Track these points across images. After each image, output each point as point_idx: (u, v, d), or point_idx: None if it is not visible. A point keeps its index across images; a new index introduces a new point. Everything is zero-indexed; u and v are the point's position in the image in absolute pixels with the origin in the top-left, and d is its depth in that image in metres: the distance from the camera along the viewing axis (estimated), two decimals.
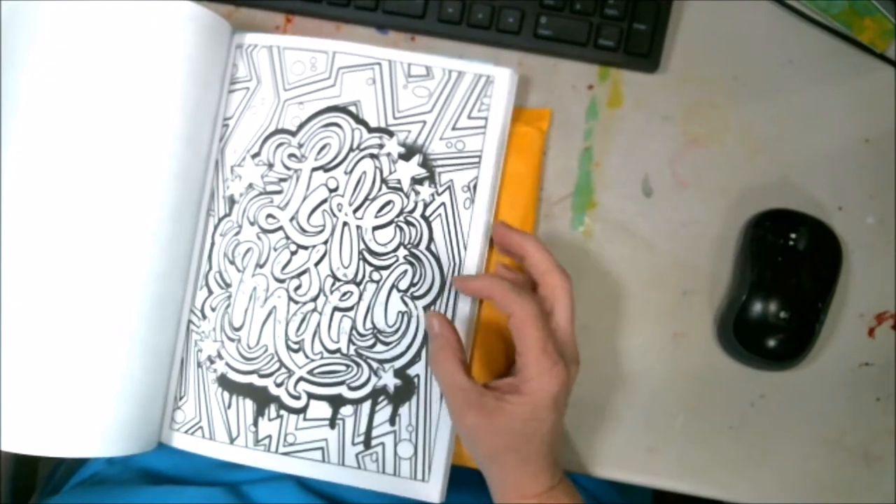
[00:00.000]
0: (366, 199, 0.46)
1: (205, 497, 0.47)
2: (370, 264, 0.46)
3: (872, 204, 0.47)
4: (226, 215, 0.47)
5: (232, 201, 0.47)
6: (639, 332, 0.47)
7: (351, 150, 0.46)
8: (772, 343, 0.45)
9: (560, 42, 0.48)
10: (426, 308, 0.45)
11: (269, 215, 0.47)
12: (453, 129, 0.46)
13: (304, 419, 0.45)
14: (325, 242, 0.46)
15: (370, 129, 0.46)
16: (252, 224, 0.47)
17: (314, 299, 0.46)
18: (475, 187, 0.45)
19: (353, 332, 0.45)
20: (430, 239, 0.45)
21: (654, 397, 0.47)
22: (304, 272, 0.46)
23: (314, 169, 0.46)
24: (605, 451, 0.47)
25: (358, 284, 0.46)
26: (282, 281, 0.46)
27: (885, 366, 0.46)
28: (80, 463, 0.53)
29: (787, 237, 0.45)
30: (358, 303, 0.46)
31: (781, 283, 0.45)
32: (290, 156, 0.47)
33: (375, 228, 0.46)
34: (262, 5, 0.50)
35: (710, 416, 0.47)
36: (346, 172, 0.46)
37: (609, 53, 0.48)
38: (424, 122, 0.46)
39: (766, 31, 0.48)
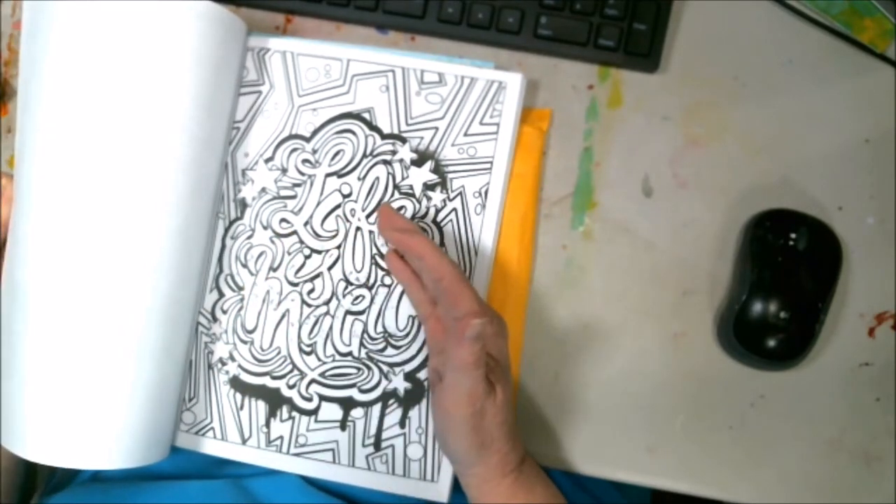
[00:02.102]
0: (378, 204, 0.46)
1: (207, 491, 0.47)
2: (382, 268, 0.46)
3: (872, 204, 0.47)
4: (237, 219, 0.47)
5: (244, 205, 0.47)
6: (639, 332, 0.47)
7: (364, 156, 0.47)
8: (772, 343, 0.45)
9: (560, 42, 0.48)
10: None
11: (283, 220, 0.47)
12: (465, 135, 0.46)
13: (316, 421, 0.46)
14: (339, 247, 0.46)
15: (383, 136, 0.47)
16: (265, 228, 0.47)
17: (327, 303, 0.46)
18: (486, 193, 0.46)
19: (365, 335, 0.46)
20: (441, 243, 0.46)
21: (654, 397, 0.47)
22: (317, 276, 0.46)
23: (328, 174, 0.47)
24: (605, 451, 0.47)
25: (370, 289, 0.46)
26: (295, 284, 0.46)
27: (885, 366, 0.46)
28: None
29: (787, 237, 0.45)
30: (370, 307, 0.46)
31: (781, 283, 0.45)
32: (304, 161, 0.47)
33: None
34: (262, 5, 0.50)
35: (710, 416, 0.47)
36: (359, 178, 0.47)
37: (609, 53, 0.48)
38: (437, 129, 0.46)
39: (766, 31, 0.48)
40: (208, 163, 0.45)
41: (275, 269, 0.47)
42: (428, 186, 0.46)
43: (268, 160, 0.47)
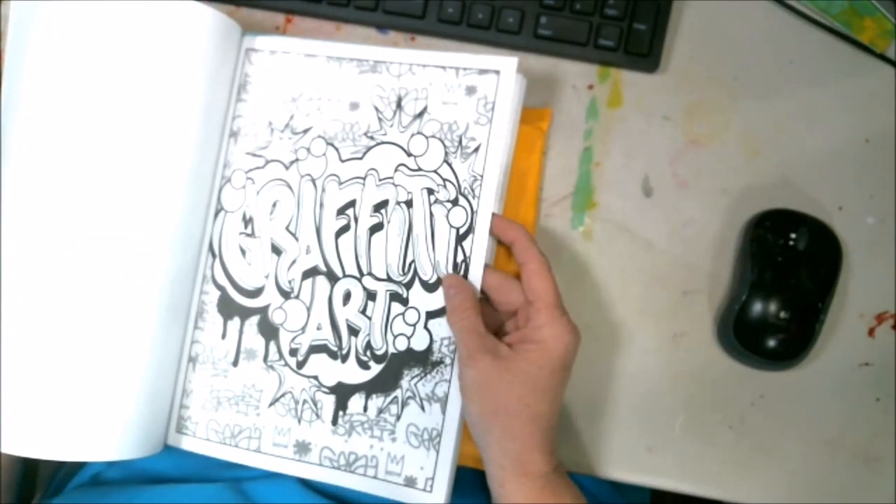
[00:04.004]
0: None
1: (206, 495, 0.47)
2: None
3: (872, 204, 0.47)
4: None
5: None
6: (639, 332, 0.47)
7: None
8: (772, 343, 0.45)
9: (560, 42, 0.48)
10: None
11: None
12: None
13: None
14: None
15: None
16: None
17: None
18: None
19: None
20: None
21: (654, 397, 0.47)
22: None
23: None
24: (605, 451, 0.47)
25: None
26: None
27: (885, 366, 0.46)
28: (80, 464, 0.53)
29: (787, 237, 0.45)
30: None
31: (781, 283, 0.45)
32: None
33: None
34: (262, 5, 0.50)
35: (710, 416, 0.47)
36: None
37: (609, 53, 0.48)
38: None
39: (766, 31, 0.48)
40: (202, 161, 0.45)
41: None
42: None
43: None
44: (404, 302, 0.45)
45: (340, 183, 0.46)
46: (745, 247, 0.46)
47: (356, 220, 0.46)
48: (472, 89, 0.45)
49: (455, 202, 0.45)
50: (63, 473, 0.55)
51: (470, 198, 0.45)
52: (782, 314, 0.45)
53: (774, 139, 0.48)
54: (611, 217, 0.48)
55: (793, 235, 0.45)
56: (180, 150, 0.43)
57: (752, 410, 0.46)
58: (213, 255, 0.47)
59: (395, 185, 0.46)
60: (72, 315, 0.41)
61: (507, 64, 0.45)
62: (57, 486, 0.54)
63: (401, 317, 0.45)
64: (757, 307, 0.45)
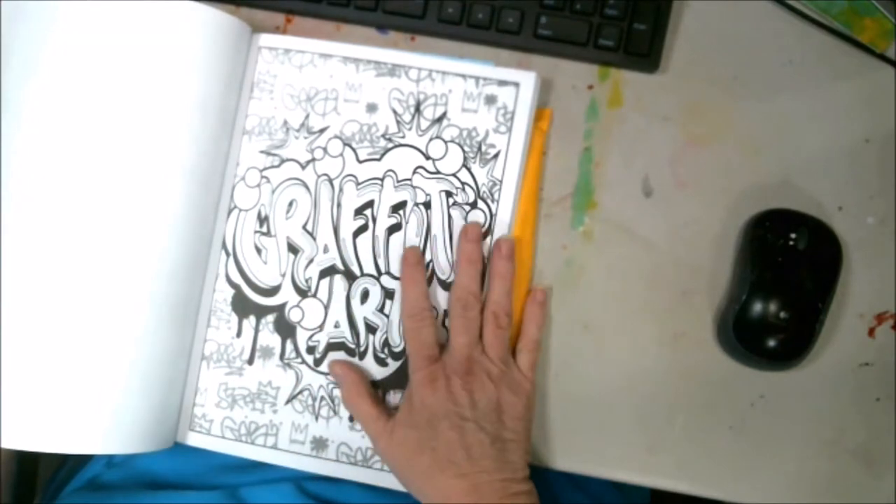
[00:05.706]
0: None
1: (203, 501, 0.47)
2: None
3: (872, 204, 0.47)
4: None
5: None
6: (639, 332, 0.47)
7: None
8: (772, 343, 0.45)
9: (560, 42, 0.48)
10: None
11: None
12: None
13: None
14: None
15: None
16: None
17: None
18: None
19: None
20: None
21: (654, 397, 0.47)
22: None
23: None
24: (605, 451, 0.47)
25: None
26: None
27: (885, 366, 0.46)
28: (79, 467, 0.53)
29: (787, 237, 0.45)
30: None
31: (781, 283, 0.45)
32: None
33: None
34: (262, 5, 0.50)
35: (710, 416, 0.47)
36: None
37: (609, 53, 0.48)
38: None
39: (766, 31, 0.48)
40: (212, 160, 0.45)
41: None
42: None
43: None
44: None
45: (358, 184, 0.47)
46: (745, 247, 0.46)
47: (374, 220, 0.46)
48: (492, 99, 0.46)
49: (474, 205, 0.46)
50: (61, 476, 0.55)
51: (489, 201, 0.46)
52: (782, 314, 0.45)
53: (774, 139, 0.48)
54: (611, 217, 0.48)
55: (793, 235, 0.45)
56: (185, 148, 0.43)
57: (751, 410, 0.46)
58: (227, 254, 0.47)
59: (414, 188, 0.46)
60: (72, 309, 0.41)
61: (526, 78, 0.46)
62: (55, 489, 0.54)
63: None
64: (757, 307, 0.45)
